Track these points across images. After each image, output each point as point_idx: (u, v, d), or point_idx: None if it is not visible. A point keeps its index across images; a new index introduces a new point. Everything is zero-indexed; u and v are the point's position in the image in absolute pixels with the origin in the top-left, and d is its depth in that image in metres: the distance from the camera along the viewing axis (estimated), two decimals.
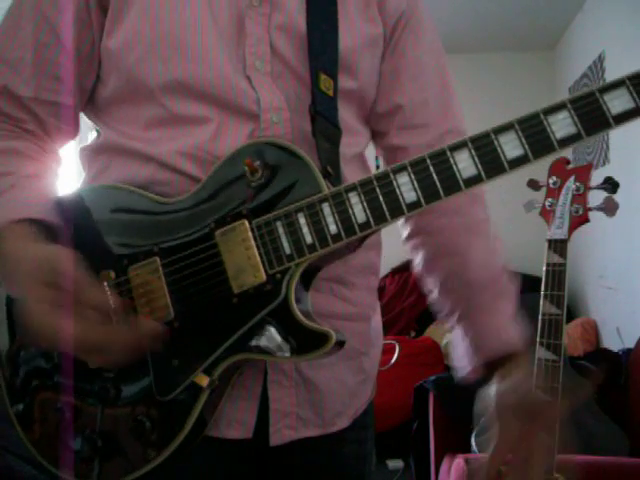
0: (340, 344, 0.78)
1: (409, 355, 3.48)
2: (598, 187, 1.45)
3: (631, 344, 2.62)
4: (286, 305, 0.77)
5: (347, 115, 0.94)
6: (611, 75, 3.31)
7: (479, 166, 0.73)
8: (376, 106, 1.01)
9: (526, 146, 0.72)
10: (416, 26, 1.00)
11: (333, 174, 0.84)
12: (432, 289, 1.04)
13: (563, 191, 1.47)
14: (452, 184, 0.74)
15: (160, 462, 0.79)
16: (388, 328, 4.10)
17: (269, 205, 0.79)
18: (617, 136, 3.12)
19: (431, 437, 2.52)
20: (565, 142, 0.71)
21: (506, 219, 3.61)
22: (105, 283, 0.81)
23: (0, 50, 0.89)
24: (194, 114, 0.86)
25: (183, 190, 0.84)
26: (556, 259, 1.48)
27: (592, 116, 0.71)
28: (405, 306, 4.28)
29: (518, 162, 0.73)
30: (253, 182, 0.79)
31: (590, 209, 1.49)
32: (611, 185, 1.44)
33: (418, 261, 1.06)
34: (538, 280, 1.52)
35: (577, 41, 4.03)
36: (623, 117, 0.70)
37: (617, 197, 1.43)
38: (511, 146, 0.73)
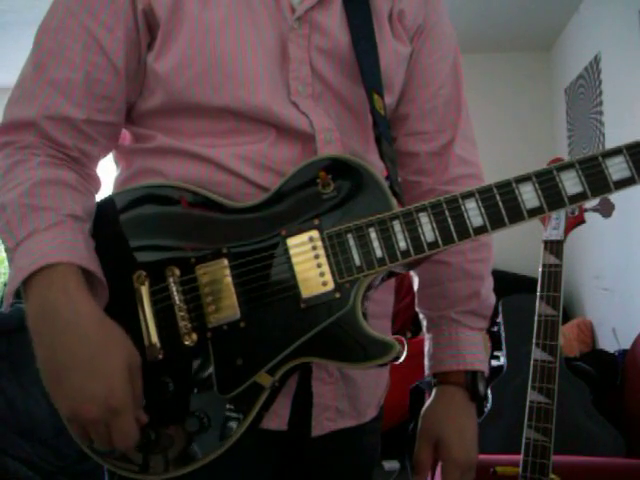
0: (397, 358, 0.81)
1: (406, 356, 3.47)
2: None
3: (627, 345, 2.62)
4: (353, 314, 0.80)
5: None
6: (607, 76, 3.32)
7: (542, 199, 0.78)
8: None
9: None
10: (431, 34, 1.01)
11: (399, 193, 0.88)
12: (415, 291, 1.09)
13: None
14: (516, 213, 0.79)
15: (210, 460, 0.80)
16: None
17: (340, 218, 0.82)
18: (613, 137, 3.12)
19: None
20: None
21: None
22: (170, 279, 0.83)
23: (47, 70, 0.86)
24: (250, 129, 0.88)
25: (239, 192, 0.86)
26: (552, 260, 1.48)
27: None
28: (401, 307, 4.27)
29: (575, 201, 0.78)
30: (325, 194, 0.82)
31: (586, 210, 1.49)
32: None
33: None
34: (534, 281, 1.52)
35: (573, 42, 4.04)
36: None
37: (613, 198, 1.43)
38: (571, 182, 0.77)
